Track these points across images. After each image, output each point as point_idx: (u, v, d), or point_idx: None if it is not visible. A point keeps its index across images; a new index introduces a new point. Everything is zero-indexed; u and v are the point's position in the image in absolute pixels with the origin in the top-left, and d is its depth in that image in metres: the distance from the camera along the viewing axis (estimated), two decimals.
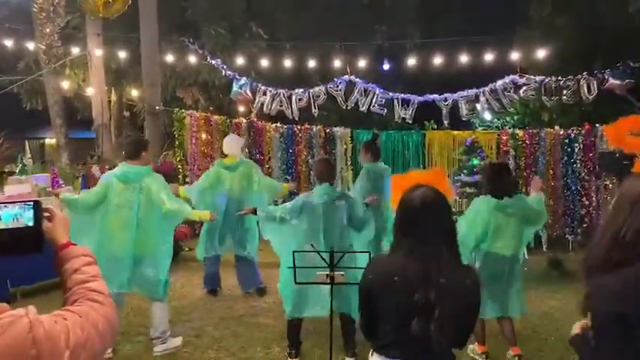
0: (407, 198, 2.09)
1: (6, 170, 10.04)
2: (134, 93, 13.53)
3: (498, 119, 12.13)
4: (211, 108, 12.61)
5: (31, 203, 1.45)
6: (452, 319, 1.97)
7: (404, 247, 2.04)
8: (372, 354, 2.15)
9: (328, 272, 2.93)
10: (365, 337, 2.25)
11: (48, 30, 9.78)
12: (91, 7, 8.55)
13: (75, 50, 10.61)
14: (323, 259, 2.92)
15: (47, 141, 19.99)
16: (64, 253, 1.44)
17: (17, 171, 7.58)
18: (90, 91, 11.27)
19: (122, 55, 10.52)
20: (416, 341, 1.97)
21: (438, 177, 2.16)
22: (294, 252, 3.12)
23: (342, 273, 2.99)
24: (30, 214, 1.45)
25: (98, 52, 10.08)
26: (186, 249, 8.20)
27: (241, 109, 11.42)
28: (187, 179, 8.49)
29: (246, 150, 8.07)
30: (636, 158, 5.29)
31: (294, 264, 3.09)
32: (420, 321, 1.94)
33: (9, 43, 10.05)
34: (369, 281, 2.12)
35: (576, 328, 1.81)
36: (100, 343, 1.28)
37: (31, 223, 1.44)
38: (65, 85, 12.23)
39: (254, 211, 4.51)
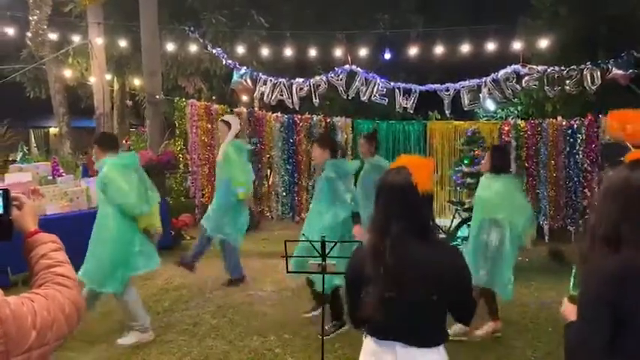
0: (379, 179, 2.17)
1: (10, 158, 10.13)
2: (136, 82, 13.54)
3: (502, 110, 12.06)
4: (214, 97, 12.60)
5: (1, 192, 1.47)
6: (425, 301, 1.99)
7: (371, 227, 2.13)
8: (365, 336, 2.19)
9: (320, 262, 2.93)
10: (353, 325, 2.26)
11: (35, 17, 9.75)
12: None
13: (76, 39, 10.57)
14: (315, 248, 2.91)
15: (52, 130, 20.08)
16: (32, 239, 1.46)
17: (18, 159, 7.61)
18: (92, 80, 11.27)
19: (124, 43, 10.49)
20: (397, 321, 2.00)
21: (422, 165, 2.15)
22: (285, 242, 3.11)
23: (333, 262, 2.98)
24: None
25: (99, 41, 10.05)
26: (188, 237, 8.23)
27: (244, 98, 11.41)
28: (188, 169, 8.50)
29: (247, 139, 8.05)
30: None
31: (285, 253, 3.08)
32: (388, 301, 1.98)
33: (10, 31, 10.03)
34: (351, 268, 2.17)
35: (572, 315, 1.79)
36: (67, 325, 1.31)
37: (0, 211, 1.46)
38: (68, 74, 12.25)
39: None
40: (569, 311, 1.82)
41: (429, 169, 2.16)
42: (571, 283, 1.90)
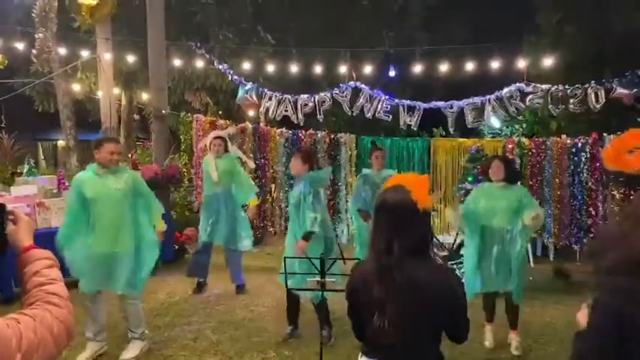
0: (377, 199, 2.18)
1: (18, 171, 10.18)
2: (144, 96, 13.67)
3: (507, 127, 12.06)
4: (220, 112, 12.69)
5: None
6: (413, 319, 1.98)
7: (371, 245, 2.12)
8: (360, 356, 2.18)
9: (319, 279, 2.93)
10: (358, 340, 2.25)
11: (41, 35, 9.90)
12: (80, 15, 8.89)
13: (85, 54, 10.73)
14: (314, 265, 2.91)
15: (60, 143, 20.23)
16: (25, 255, 1.45)
17: (24, 172, 7.66)
18: (100, 95, 11.40)
19: (132, 59, 10.62)
20: (398, 342, 1.99)
21: (418, 182, 2.16)
22: (285, 258, 3.12)
23: (333, 280, 2.98)
24: None
25: (107, 56, 10.18)
26: (191, 251, 8.22)
27: (251, 113, 11.47)
28: (193, 183, 8.55)
29: (251, 154, 8.10)
30: None
31: (285, 270, 3.09)
32: (378, 320, 1.98)
33: (20, 45, 10.18)
34: (349, 286, 2.18)
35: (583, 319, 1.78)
36: (55, 346, 1.28)
37: None
38: (76, 88, 12.39)
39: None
40: (582, 315, 1.81)
41: (425, 186, 2.17)
42: None
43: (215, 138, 6.28)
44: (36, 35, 9.93)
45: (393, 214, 2.09)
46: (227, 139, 6.34)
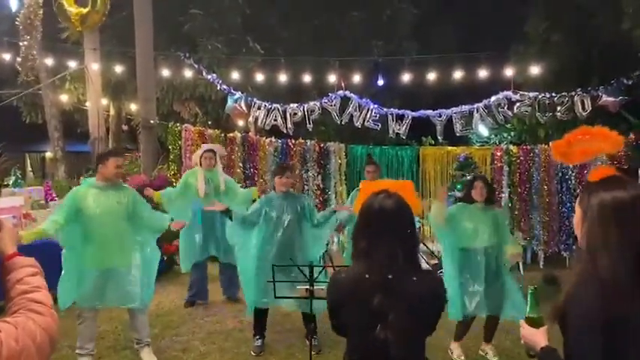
0: (367, 203, 2.08)
1: (4, 183, 10.08)
2: (133, 107, 13.63)
3: (495, 135, 12.13)
4: (209, 122, 12.66)
5: None
6: (411, 326, 1.94)
7: (360, 253, 2.02)
8: None
9: (307, 287, 2.90)
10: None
11: (25, 43, 9.86)
12: (70, 22, 8.87)
13: (72, 65, 10.69)
14: (302, 273, 2.89)
15: (47, 154, 20.09)
16: (9, 263, 1.43)
17: (10, 183, 7.59)
18: (88, 105, 11.34)
19: (120, 69, 10.59)
20: (379, 351, 1.94)
21: (406, 188, 2.13)
22: (273, 266, 3.09)
23: (322, 287, 2.95)
24: None
25: (95, 67, 10.15)
26: (179, 263, 8.14)
27: (240, 123, 11.46)
28: None
29: (240, 163, 8.08)
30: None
31: (273, 278, 3.06)
32: (375, 330, 1.92)
33: (7, 56, 10.13)
34: (330, 297, 2.10)
35: (541, 338, 1.73)
36: (37, 354, 1.26)
37: None
38: (64, 98, 12.34)
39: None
40: (530, 334, 1.76)
41: (412, 191, 2.15)
42: (528, 305, 1.85)
43: (206, 151, 6.21)
44: (20, 43, 9.89)
45: (394, 221, 2.02)
46: (216, 152, 6.26)
